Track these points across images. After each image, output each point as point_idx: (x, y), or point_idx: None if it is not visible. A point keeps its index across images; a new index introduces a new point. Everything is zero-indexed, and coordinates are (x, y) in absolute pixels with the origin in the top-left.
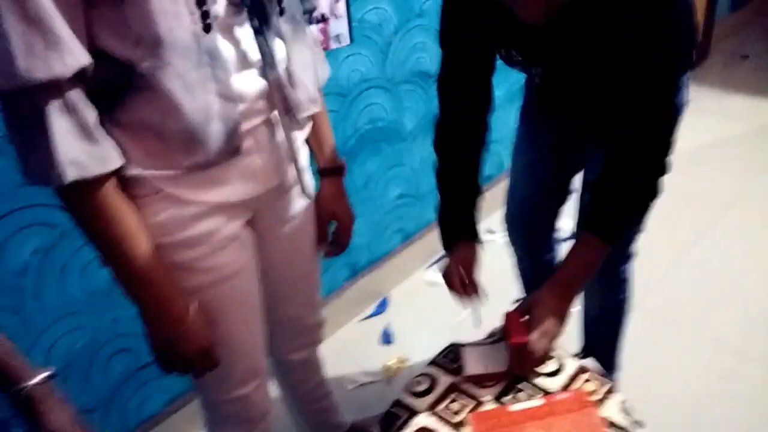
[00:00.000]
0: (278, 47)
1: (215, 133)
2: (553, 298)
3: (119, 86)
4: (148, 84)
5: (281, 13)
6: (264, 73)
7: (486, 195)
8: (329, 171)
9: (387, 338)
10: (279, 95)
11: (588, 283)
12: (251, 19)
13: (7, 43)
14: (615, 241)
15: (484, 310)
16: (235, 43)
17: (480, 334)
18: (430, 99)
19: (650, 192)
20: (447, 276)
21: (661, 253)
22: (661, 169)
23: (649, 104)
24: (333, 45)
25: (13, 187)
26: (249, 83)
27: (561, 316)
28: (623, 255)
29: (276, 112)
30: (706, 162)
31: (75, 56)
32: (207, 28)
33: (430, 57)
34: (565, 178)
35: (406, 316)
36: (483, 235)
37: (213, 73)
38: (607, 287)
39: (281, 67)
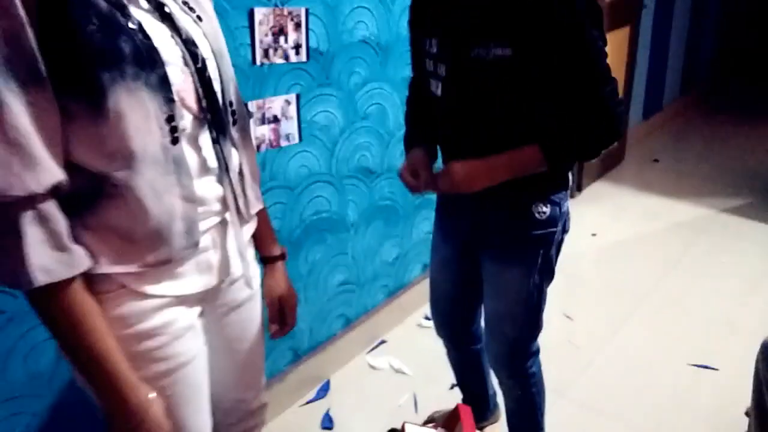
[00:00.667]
0: (233, 154)
1: (178, 231)
2: (472, 163)
3: (90, 194)
4: (119, 192)
5: (234, 122)
6: (220, 179)
7: (422, 284)
8: (273, 258)
9: (328, 423)
10: (232, 198)
11: (502, 384)
12: (210, 131)
13: None
14: (552, 161)
15: (422, 395)
16: (197, 150)
17: (419, 419)
18: (372, 192)
19: (601, 129)
20: (401, 173)
21: (585, 342)
22: (609, 105)
23: (575, 57)
24: (283, 143)
25: None
26: (208, 188)
27: (468, 173)
28: (528, 352)
29: (228, 213)
30: (626, 256)
31: (50, 174)
32: (175, 141)
33: (372, 155)
34: (477, 273)
35: (347, 400)
36: (421, 322)
37: (178, 179)
38: (518, 383)
39: (234, 173)
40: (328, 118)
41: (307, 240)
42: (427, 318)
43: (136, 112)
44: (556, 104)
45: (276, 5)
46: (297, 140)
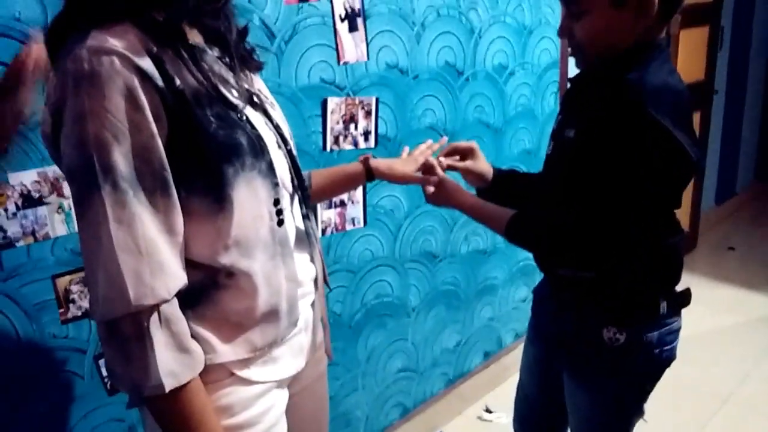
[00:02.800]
0: (316, 228)
1: (283, 311)
2: (457, 195)
3: (205, 287)
4: (234, 281)
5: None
6: (311, 255)
7: (483, 373)
8: (365, 162)
9: None
10: (321, 273)
11: None
12: (301, 206)
13: (119, 277)
14: (509, 236)
15: None
16: (293, 228)
17: None
18: (435, 276)
19: (562, 241)
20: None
21: None
22: (586, 232)
23: (603, 185)
24: (348, 227)
25: None
26: (303, 267)
27: (447, 197)
28: None
29: (317, 292)
30: (702, 353)
31: (177, 279)
32: (280, 223)
33: (435, 240)
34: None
35: None
36: (482, 414)
37: (283, 260)
38: None
39: (319, 246)
40: (393, 203)
41: (367, 324)
42: (488, 410)
43: (252, 200)
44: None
45: (348, 95)
46: (362, 224)
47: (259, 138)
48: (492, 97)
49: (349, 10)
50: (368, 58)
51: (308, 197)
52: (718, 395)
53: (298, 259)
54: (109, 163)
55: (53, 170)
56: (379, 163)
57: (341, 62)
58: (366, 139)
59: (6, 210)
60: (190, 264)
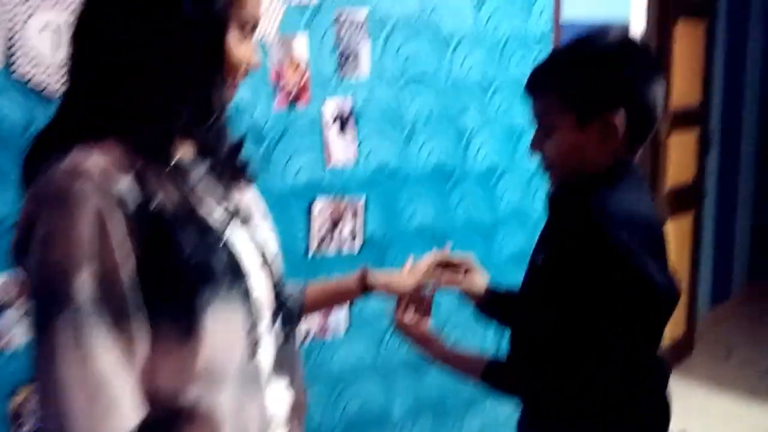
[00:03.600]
0: (297, 354)
1: None
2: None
3: (165, 423)
4: (197, 416)
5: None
6: (291, 382)
7: None
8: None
9: None
10: (297, 412)
11: None
12: (281, 332)
13: (67, 414)
14: (485, 382)
15: None
16: (268, 356)
17: None
18: (420, 385)
19: (518, 386)
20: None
21: None
22: (528, 377)
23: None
24: (330, 334)
25: None
26: (279, 397)
27: (419, 340)
28: None
29: (296, 422)
30: None
31: (130, 417)
32: (253, 354)
33: None
34: None
35: None
36: None
37: (254, 392)
38: None
39: (301, 375)
40: (378, 307)
41: None
42: None
43: (224, 329)
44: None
45: (335, 196)
46: (344, 330)
47: (236, 262)
48: (482, 198)
49: (340, 114)
50: (357, 161)
51: (292, 317)
52: None
53: (272, 388)
54: (69, 291)
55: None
56: (377, 278)
57: (329, 164)
58: (352, 242)
59: None
60: (150, 397)
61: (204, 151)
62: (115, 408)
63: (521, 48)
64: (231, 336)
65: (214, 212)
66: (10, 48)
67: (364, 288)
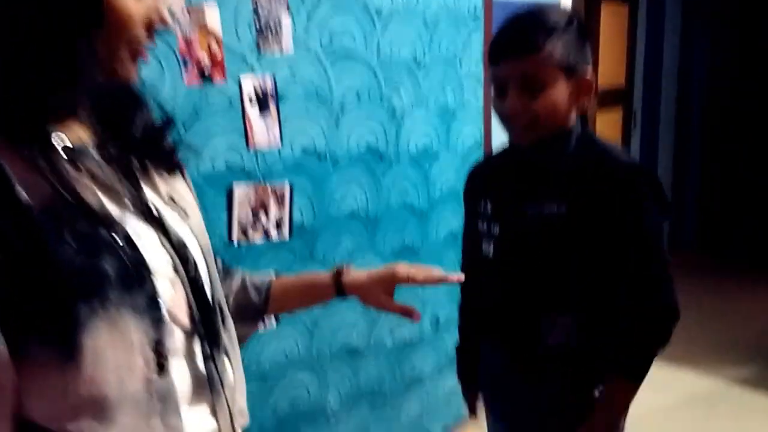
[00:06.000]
0: (227, 369)
1: None
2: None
3: None
4: None
5: (224, 325)
6: (213, 407)
7: None
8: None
9: None
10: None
11: None
12: (203, 346)
13: None
14: (641, 377)
15: None
16: (187, 373)
17: None
18: (357, 376)
19: (662, 327)
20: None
21: None
22: (666, 298)
23: (638, 257)
24: (259, 327)
25: None
26: (200, 424)
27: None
28: None
29: None
30: None
31: None
32: (161, 370)
33: (357, 333)
34: None
35: None
36: None
37: (163, 420)
38: None
39: (231, 395)
40: None
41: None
42: None
43: (116, 347)
44: (605, 276)
45: (258, 182)
46: (274, 323)
47: (139, 264)
48: (417, 180)
49: (260, 92)
50: (282, 143)
51: (216, 333)
52: None
53: (191, 413)
54: None
55: None
56: (354, 279)
57: (251, 148)
58: (279, 230)
59: None
60: (29, 429)
61: (106, 136)
62: None
63: (452, 25)
64: (126, 355)
65: (106, 207)
66: None
67: (339, 288)
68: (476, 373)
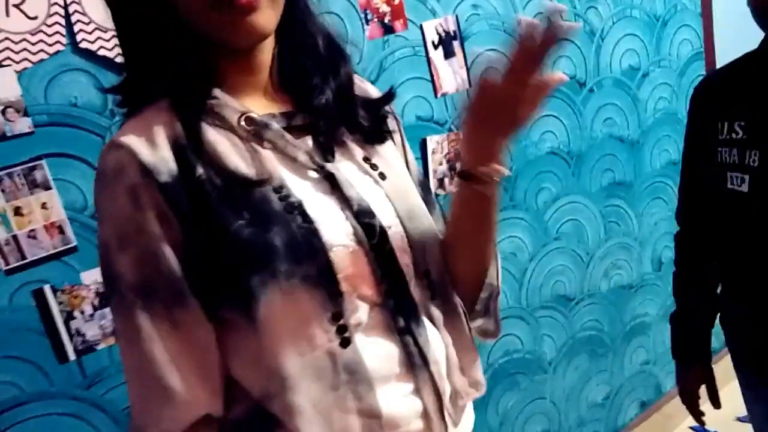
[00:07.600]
0: (433, 343)
1: None
2: None
3: (254, 422)
4: (278, 421)
5: (432, 297)
6: (417, 384)
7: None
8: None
9: None
10: (437, 410)
11: None
12: (396, 319)
13: (131, 397)
14: None
15: None
16: (382, 347)
17: None
18: (571, 324)
19: None
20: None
21: None
22: None
23: None
24: None
25: None
26: (400, 401)
27: None
28: None
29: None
30: None
31: (190, 409)
32: (345, 343)
33: (568, 280)
34: None
35: None
36: None
37: (353, 391)
38: None
39: (439, 370)
40: (514, 244)
41: (495, 387)
42: None
43: (291, 317)
44: None
45: (450, 130)
46: None
47: (311, 235)
48: (623, 106)
49: (443, 35)
50: (470, 86)
51: (412, 305)
52: None
53: (388, 390)
54: (116, 271)
55: None
56: (461, 153)
57: (439, 95)
58: None
59: (83, 312)
60: (237, 389)
61: (297, 105)
62: (173, 396)
63: None
64: (301, 326)
65: (283, 179)
66: (70, 22)
67: (464, 175)
68: (704, 350)
